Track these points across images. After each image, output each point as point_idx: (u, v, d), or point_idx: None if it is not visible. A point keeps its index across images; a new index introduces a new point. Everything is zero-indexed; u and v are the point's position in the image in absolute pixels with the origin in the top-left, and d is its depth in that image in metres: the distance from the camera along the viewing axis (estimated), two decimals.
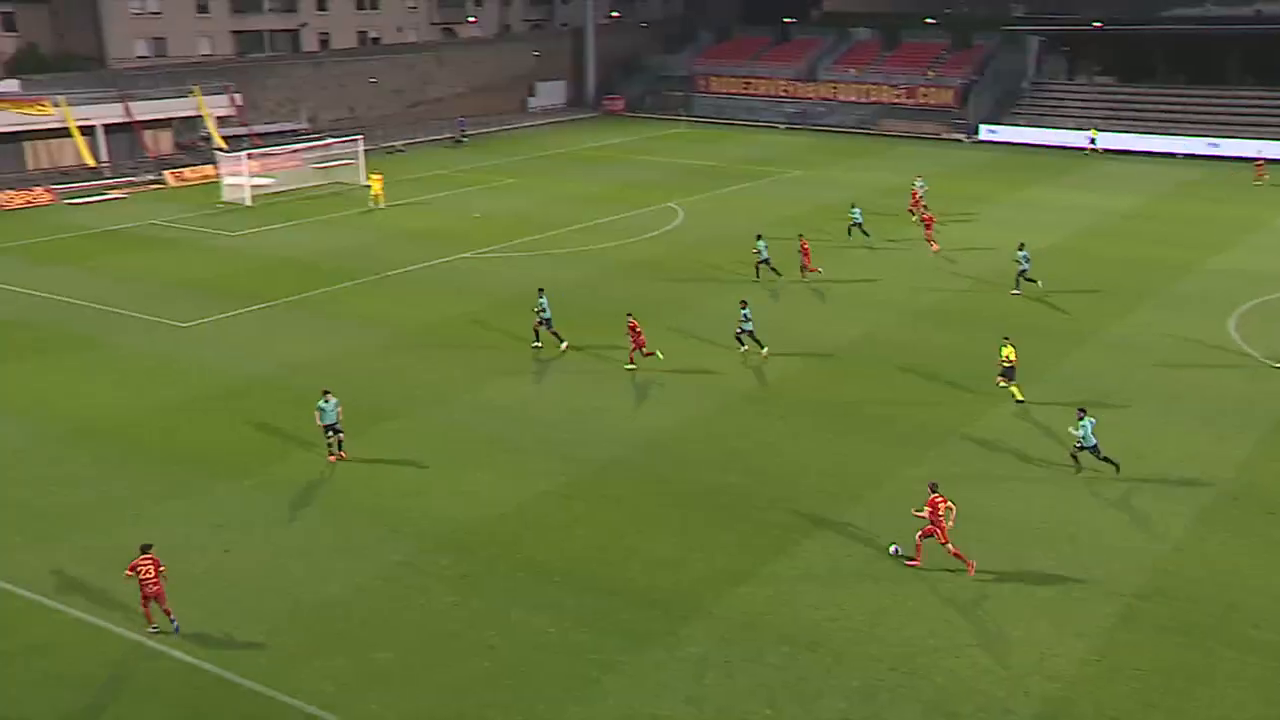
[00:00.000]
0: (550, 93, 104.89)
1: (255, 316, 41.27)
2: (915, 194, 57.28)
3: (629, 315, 36.13)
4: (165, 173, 69.49)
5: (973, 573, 23.40)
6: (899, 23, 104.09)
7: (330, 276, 46.76)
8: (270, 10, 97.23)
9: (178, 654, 20.81)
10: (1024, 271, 43.35)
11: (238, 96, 77.51)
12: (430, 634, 21.55)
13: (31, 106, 67.03)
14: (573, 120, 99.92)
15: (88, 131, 69.46)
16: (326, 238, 53.93)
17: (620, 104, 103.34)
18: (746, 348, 36.41)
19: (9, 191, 62.68)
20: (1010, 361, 32.53)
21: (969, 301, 42.73)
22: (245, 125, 77.91)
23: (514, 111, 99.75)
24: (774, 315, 40.80)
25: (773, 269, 45.20)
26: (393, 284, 45.64)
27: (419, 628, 21.73)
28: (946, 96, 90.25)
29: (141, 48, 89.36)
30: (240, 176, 63.37)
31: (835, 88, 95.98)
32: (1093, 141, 79.43)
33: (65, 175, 68.55)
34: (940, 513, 23.32)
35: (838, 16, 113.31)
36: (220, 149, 70.36)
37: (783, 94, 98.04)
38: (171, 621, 21.46)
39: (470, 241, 52.60)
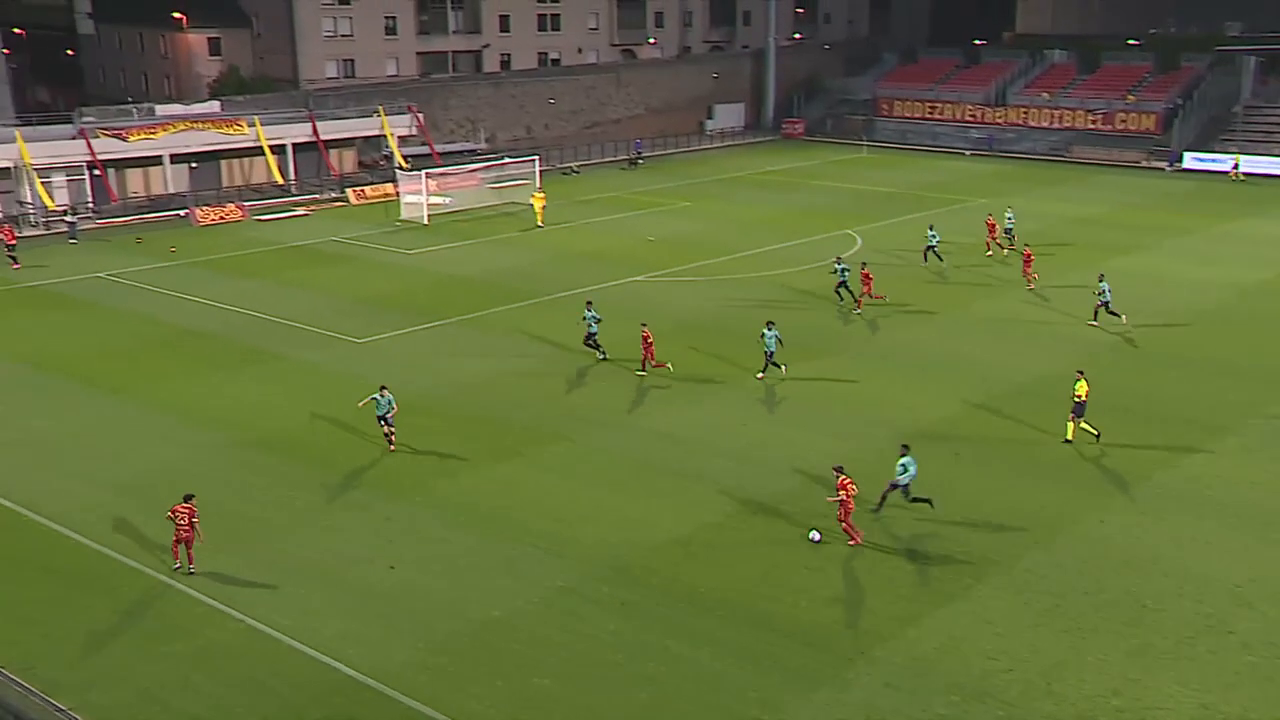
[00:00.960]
0: (728, 115, 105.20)
1: (428, 334, 42.37)
2: (991, 225, 54.89)
3: (643, 325, 37.83)
4: (348, 190, 72.36)
5: (858, 542, 25.49)
6: (1098, 45, 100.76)
7: (502, 296, 47.74)
8: (455, 32, 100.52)
9: (339, 665, 21.44)
10: (1105, 304, 42.21)
11: (419, 116, 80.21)
12: (590, 662, 21.59)
13: (229, 127, 70.87)
14: (750, 143, 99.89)
15: (278, 150, 72.91)
16: (500, 257, 55.11)
17: (799, 128, 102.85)
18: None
19: (205, 208, 66.26)
20: (1080, 397, 31.15)
21: (1155, 338, 41.03)
22: (428, 144, 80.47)
23: (691, 134, 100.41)
24: (948, 347, 40.01)
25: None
26: (563, 305, 46.19)
27: (579, 655, 21.80)
28: (1148, 122, 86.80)
29: (332, 69, 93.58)
30: (418, 195, 65.43)
31: (1026, 113, 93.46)
32: (1236, 168, 76.29)
33: (256, 192, 72.05)
34: (851, 494, 25.34)
35: (1031, 39, 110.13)
36: (401, 168, 72.86)
37: (969, 119, 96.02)
38: (189, 566, 24.63)
39: (643, 265, 52.94)
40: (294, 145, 73.85)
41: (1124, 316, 42.60)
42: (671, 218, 65.27)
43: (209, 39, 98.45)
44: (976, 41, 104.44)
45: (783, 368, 36.92)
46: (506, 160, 74.27)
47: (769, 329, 36.49)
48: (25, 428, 33.47)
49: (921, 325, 43.18)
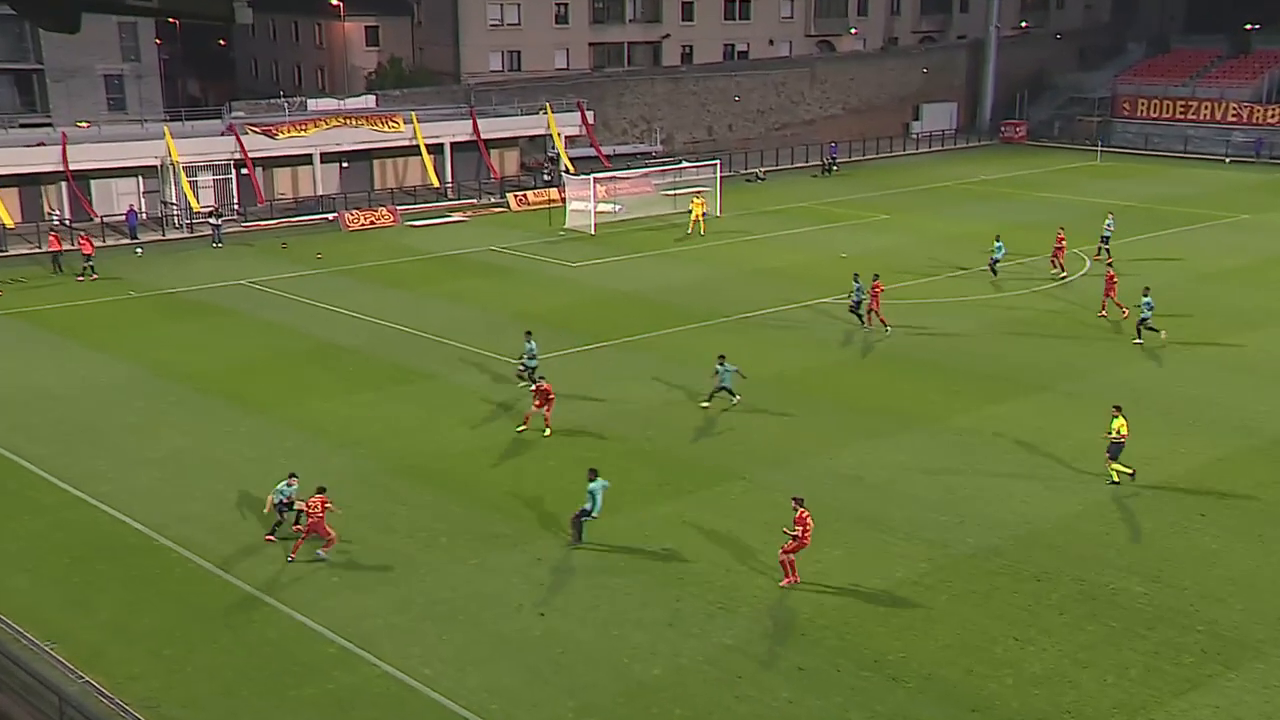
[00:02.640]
0: (938, 116, 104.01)
1: (592, 356, 43.01)
2: (1061, 238, 54.36)
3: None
4: (508, 195, 74.07)
5: (793, 581, 26.09)
6: None
7: (676, 316, 48.05)
8: (632, 21, 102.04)
9: None
10: (1145, 320, 43.24)
11: (589, 114, 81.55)
12: None
13: (384, 123, 73.42)
14: (963, 149, 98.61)
15: (435, 150, 75.16)
16: (674, 272, 55.58)
17: (1022, 131, 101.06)
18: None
19: (355, 211, 68.78)
20: (1120, 436, 30.99)
21: None
22: (594, 146, 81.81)
23: (894, 137, 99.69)
24: (1166, 382, 38.59)
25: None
26: (743, 328, 46.31)
27: None
28: None
29: (496, 61, 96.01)
30: (585, 202, 66.50)
31: None
32: None
33: (409, 195, 74.42)
34: (809, 529, 26.06)
35: None
36: (567, 171, 74.17)
37: (1232, 119, 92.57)
38: (319, 554, 27.33)
39: (834, 284, 52.43)
40: (452, 145, 76.04)
41: (1163, 332, 43.48)
42: (868, 231, 64.79)
43: (366, 28, 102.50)
44: (1248, 26, 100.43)
45: (735, 398, 37.23)
46: (684, 164, 74.96)
47: (721, 364, 37.01)
48: (162, 444, 35.17)
49: (1158, 359, 41.94)
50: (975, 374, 40.40)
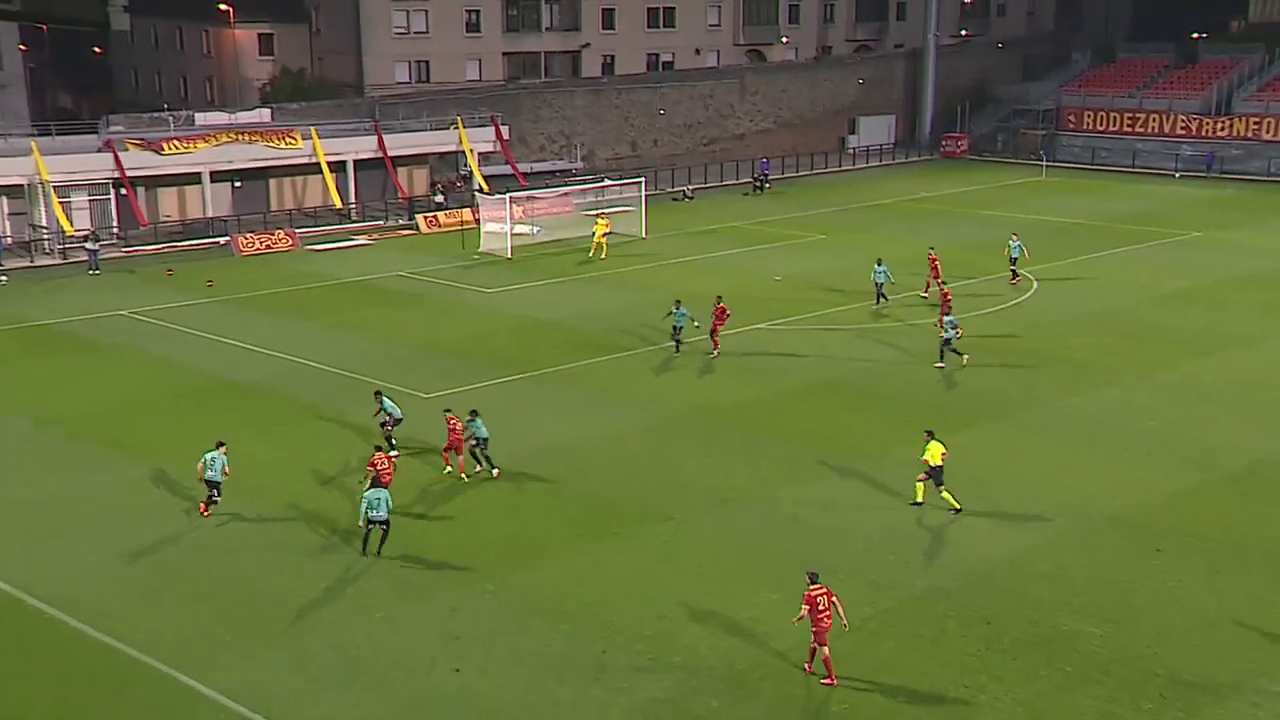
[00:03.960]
0: (875, 130, 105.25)
1: (508, 389, 42.79)
2: (933, 259, 54.47)
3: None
4: (418, 216, 73.85)
5: (834, 682, 24.17)
6: None
7: (598, 345, 48.03)
8: (549, 29, 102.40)
9: None
10: (948, 341, 44.34)
11: (504, 129, 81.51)
12: None
13: (281, 139, 72.76)
14: (902, 164, 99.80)
15: (338, 168, 74.68)
16: (596, 299, 55.65)
17: (963, 144, 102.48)
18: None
19: (250, 234, 68.16)
20: (931, 462, 32.07)
21: None
22: (511, 163, 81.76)
23: (829, 152, 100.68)
24: (1120, 411, 39.22)
25: None
26: (669, 356, 46.60)
27: None
28: None
29: (402, 72, 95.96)
30: (501, 224, 66.40)
31: (1259, 124, 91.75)
32: None
33: (309, 217, 73.90)
34: (822, 609, 24.18)
35: (1268, 29, 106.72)
36: (481, 190, 74.02)
37: (1181, 132, 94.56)
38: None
39: (767, 310, 52.91)
40: (356, 162, 75.60)
41: (966, 356, 44.59)
42: (804, 253, 65.26)
43: (260, 35, 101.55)
44: (1195, 35, 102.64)
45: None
46: (607, 182, 75.15)
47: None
48: (20, 498, 34.21)
49: (1109, 389, 42.60)
50: (919, 404, 40.66)
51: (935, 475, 32.17)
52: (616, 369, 45.26)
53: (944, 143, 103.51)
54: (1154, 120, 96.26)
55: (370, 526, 29.93)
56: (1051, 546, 30.33)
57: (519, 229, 67.46)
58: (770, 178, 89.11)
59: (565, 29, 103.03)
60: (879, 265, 53.44)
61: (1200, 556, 29.90)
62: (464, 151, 78.25)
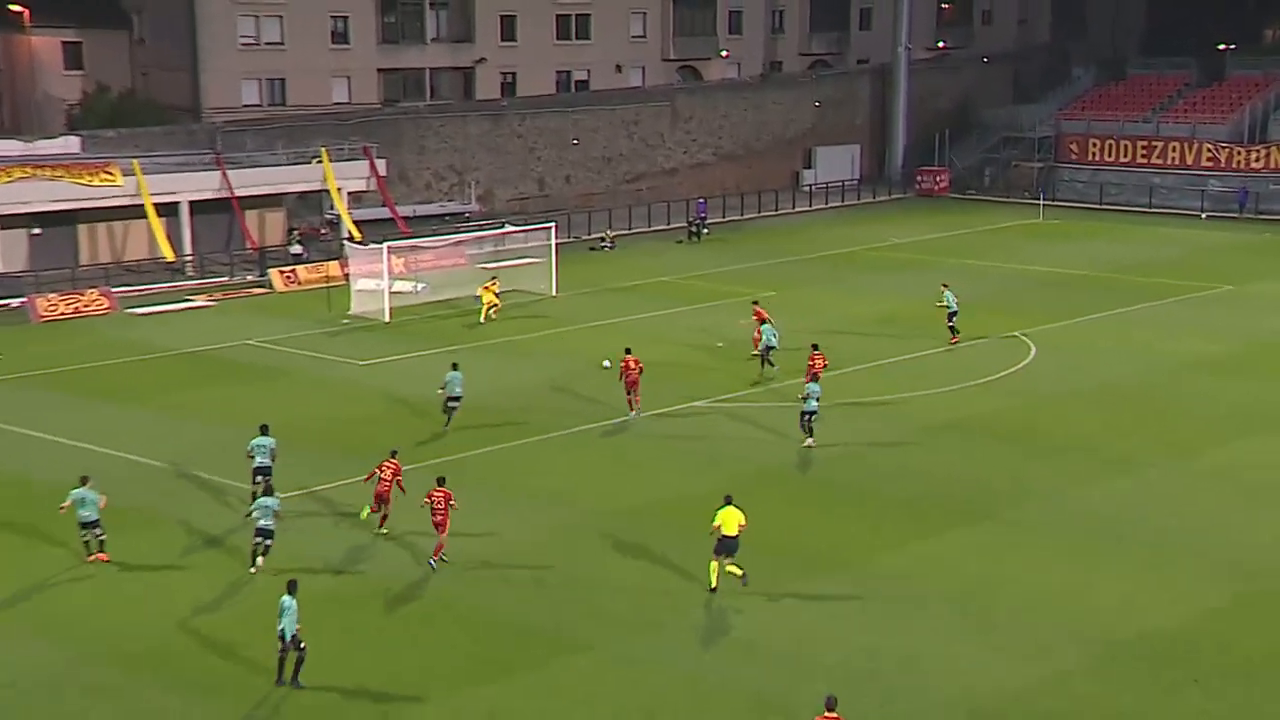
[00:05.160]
0: (836, 163, 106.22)
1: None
2: (759, 314, 56.83)
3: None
4: (271, 271, 73.23)
5: None
6: None
7: (498, 429, 47.45)
8: (435, 41, 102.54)
9: None
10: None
11: (381, 164, 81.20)
12: None
13: (93, 175, 71.72)
14: (870, 204, 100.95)
15: (168, 211, 73.82)
16: (494, 372, 55.17)
17: (944, 180, 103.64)
18: None
19: (52, 295, 66.93)
20: (722, 532, 33.75)
21: None
22: (389, 205, 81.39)
23: (780, 190, 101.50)
24: (1141, 506, 39.39)
25: None
26: (582, 443, 46.19)
27: None
28: None
29: (251, 93, 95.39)
30: (377, 280, 66.10)
31: None
32: None
33: (131, 272, 72.96)
34: None
35: None
36: (352, 239, 73.53)
37: (1208, 164, 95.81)
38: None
39: (707, 383, 52.80)
40: (192, 204, 74.98)
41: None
42: (750, 314, 65.04)
43: (65, 44, 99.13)
44: (1221, 47, 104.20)
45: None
46: (509, 229, 74.91)
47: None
48: None
49: (1123, 479, 42.71)
50: (898, 498, 40.46)
51: (727, 547, 33.70)
52: (520, 458, 44.69)
53: (919, 178, 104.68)
54: (1174, 150, 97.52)
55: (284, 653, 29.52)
56: (1063, 678, 29.90)
57: (399, 286, 67.18)
58: (708, 222, 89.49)
59: (455, 40, 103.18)
60: (764, 324, 54.68)
61: (1245, 689, 29.58)
62: (330, 191, 77.81)
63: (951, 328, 58.48)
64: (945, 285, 60.18)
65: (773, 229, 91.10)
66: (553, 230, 72.20)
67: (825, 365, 48.36)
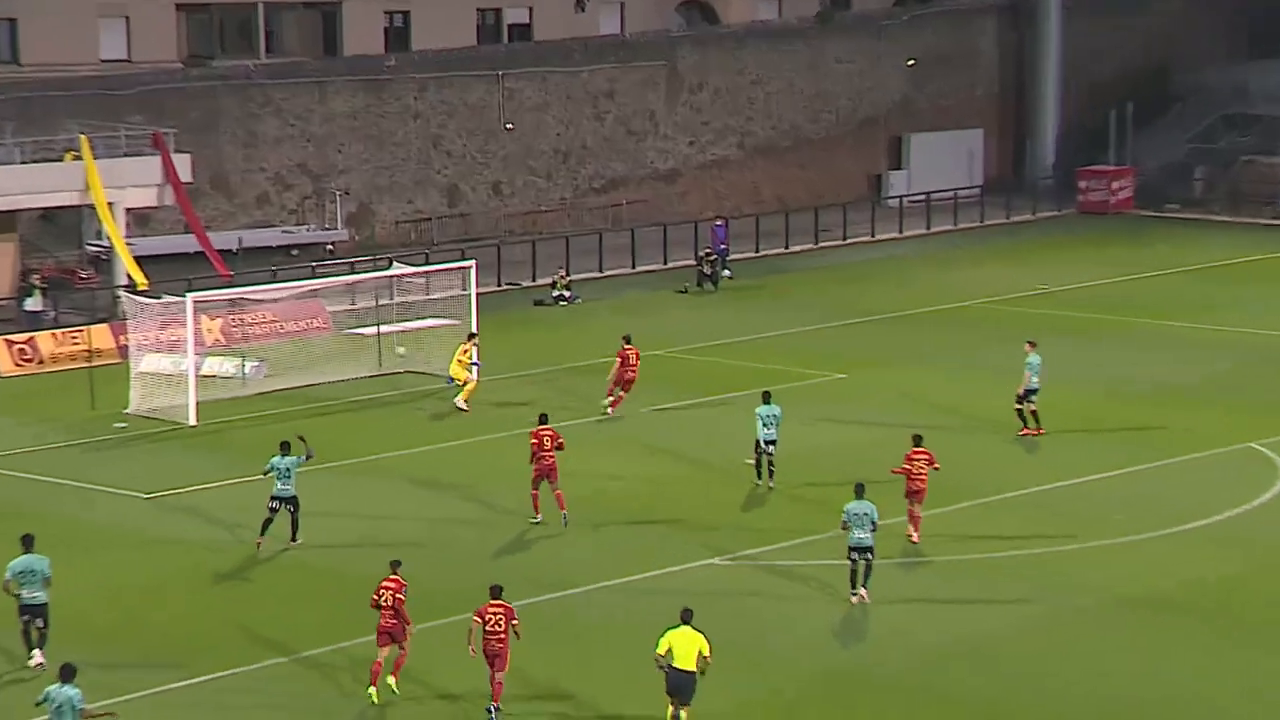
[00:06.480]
0: (942, 160, 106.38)
1: (178, 702, 41.61)
2: (625, 354, 61.43)
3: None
4: None
5: None
6: None
7: (351, 619, 46.60)
8: None
9: None
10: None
11: (182, 162, 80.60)
12: None
13: None
14: (999, 228, 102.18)
15: None
16: (374, 511, 55.01)
17: (1124, 187, 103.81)
18: None
19: None
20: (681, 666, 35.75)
21: None
22: (198, 230, 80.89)
23: (851, 203, 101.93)
24: None
25: None
26: (548, 625, 45.23)
27: None
28: None
29: None
30: (174, 356, 65.86)
31: None
32: None
33: None
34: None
35: None
36: (133, 287, 72.97)
37: None
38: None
39: (737, 535, 52.40)
40: None
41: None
42: (801, 405, 64.86)
43: None
44: None
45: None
46: (400, 269, 74.27)
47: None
48: None
49: None
50: None
51: (680, 684, 36.09)
52: (413, 663, 43.87)
53: (1083, 184, 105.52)
54: None
55: None
56: None
57: (213, 367, 67.26)
58: (730, 258, 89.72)
59: None
60: (767, 407, 56.09)
61: None
62: (95, 207, 77.45)
63: (1020, 411, 60.44)
64: (1031, 344, 61.33)
65: (838, 269, 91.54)
66: (472, 272, 71.99)
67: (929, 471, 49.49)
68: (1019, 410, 61.34)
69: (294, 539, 50.54)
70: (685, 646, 35.50)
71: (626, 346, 55.59)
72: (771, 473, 56.06)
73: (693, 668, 35.51)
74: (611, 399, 56.18)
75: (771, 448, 56.04)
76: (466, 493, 56.79)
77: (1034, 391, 60.83)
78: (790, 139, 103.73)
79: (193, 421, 63.93)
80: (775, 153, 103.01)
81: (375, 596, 40.50)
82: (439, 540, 52.39)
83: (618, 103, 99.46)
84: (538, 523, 51.00)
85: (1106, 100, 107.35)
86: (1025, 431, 61.14)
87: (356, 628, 45.79)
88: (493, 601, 37.89)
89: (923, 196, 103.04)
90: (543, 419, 52.81)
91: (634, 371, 54.89)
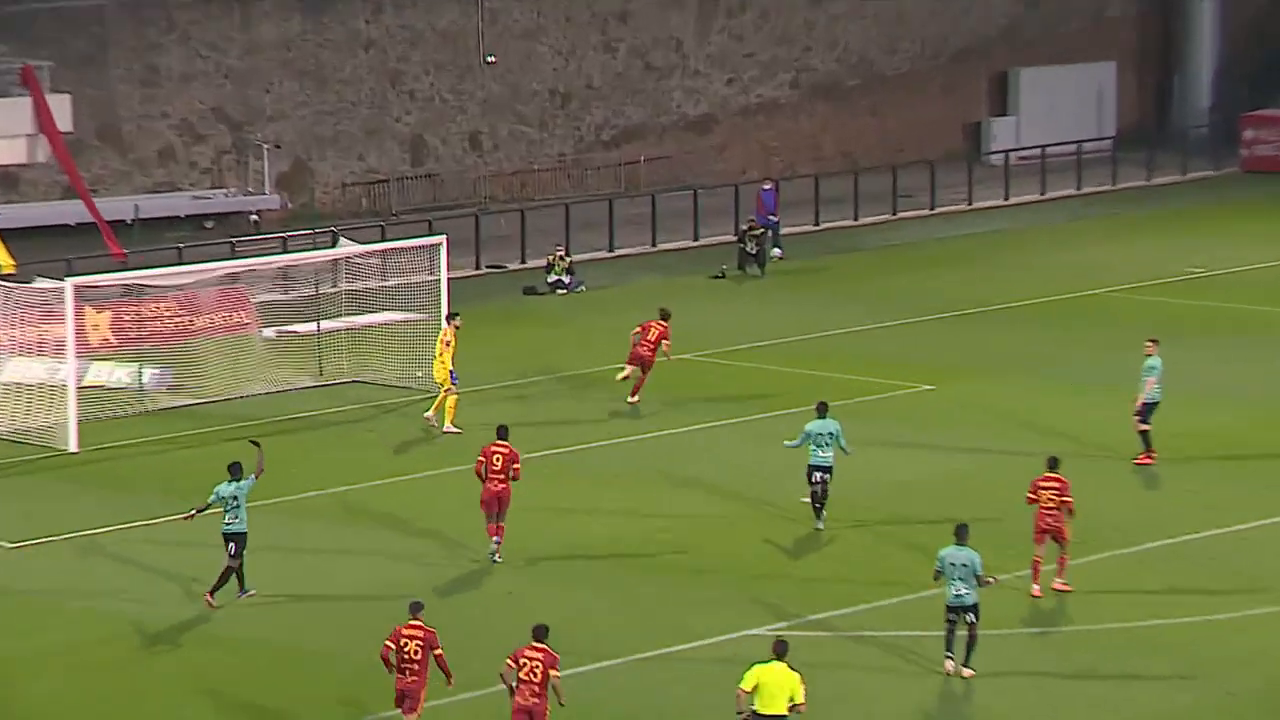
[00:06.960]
0: (1061, 104, 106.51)
1: None
2: (647, 328, 62.57)
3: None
4: None
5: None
6: None
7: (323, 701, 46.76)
8: None
9: None
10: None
11: (60, 104, 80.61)
12: None
13: None
14: (1137, 190, 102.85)
15: None
16: (332, 562, 55.10)
17: None
18: None
19: None
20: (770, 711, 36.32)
21: None
22: (83, 192, 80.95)
23: (941, 160, 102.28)
24: None
25: None
26: (565, 714, 45.35)
27: None
28: None
29: None
30: (51, 364, 66.07)
31: None
32: None
33: None
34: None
35: None
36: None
37: None
38: None
39: (806, 575, 52.70)
40: None
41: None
42: (880, 426, 65.52)
43: None
44: None
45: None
46: (348, 248, 74.39)
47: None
48: None
49: None
50: None
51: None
52: None
53: (1248, 134, 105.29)
54: None
55: None
56: None
57: (100, 374, 67.45)
58: (780, 231, 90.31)
59: None
60: (822, 422, 56.17)
61: None
62: None
63: (1145, 434, 60.75)
64: (1153, 342, 61.89)
65: (922, 247, 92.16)
66: (442, 250, 72.17)
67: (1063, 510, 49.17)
68: (1143, 431, 61.11)
69: (242, 590, 49.87)
70: (776, 686, 35.81)
71: (658, 323, 56.94)
72: (821, 509, 56.20)
73: (782, 712, 35.86)
74: (626, 375, 57.38)
75: (826, 476, 55.81)
76: (439, 538, 56.79)
77: (1154, 406, 60.98)
78: (860, 76, 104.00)
79: (73, 447, 64.18)
80: (840, 94, 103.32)
81: (392, 646, 40.21)
82: (399, 600, 52.19)
83: (633, 27, 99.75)
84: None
85: (1275, 31, 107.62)
86: (1142, 459, 61.17)
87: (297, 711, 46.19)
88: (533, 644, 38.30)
89: (1036, 152, 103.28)
90: (501, 432, 53.10)
91: (650, 350, 55.92)
